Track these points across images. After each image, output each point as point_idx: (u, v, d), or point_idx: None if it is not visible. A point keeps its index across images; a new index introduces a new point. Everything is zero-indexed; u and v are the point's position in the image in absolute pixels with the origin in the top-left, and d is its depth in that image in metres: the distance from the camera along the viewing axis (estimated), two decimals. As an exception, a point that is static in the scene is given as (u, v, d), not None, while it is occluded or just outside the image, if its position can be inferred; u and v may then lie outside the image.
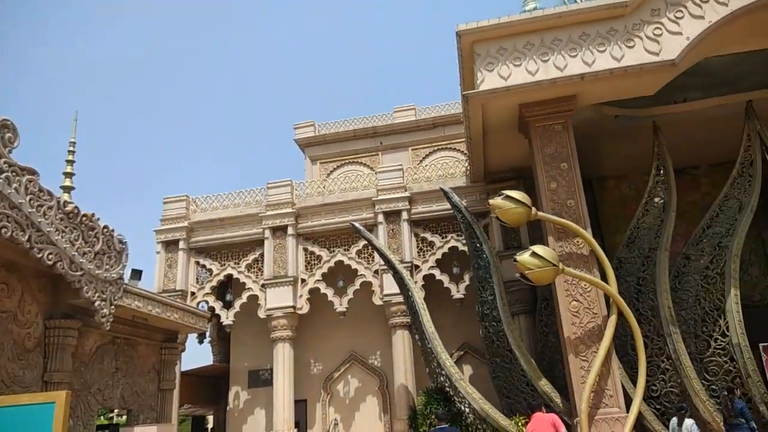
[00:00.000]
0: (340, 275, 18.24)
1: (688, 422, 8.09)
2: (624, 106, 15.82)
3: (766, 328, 15.78)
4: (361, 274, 17.98)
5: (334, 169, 24.16)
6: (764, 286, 18.48)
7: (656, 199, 14.85)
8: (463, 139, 17.23)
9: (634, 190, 18.52)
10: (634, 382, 12.51)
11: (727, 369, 13.03)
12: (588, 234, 13.00)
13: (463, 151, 21.59)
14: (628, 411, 12.03)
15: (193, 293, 18.67)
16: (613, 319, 12.46)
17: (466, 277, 17.36)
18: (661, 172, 15.00)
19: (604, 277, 12.91)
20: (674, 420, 8.20)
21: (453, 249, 17.79)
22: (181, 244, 18.97)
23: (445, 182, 18.07)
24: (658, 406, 13.20)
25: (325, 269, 18.25)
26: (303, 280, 18.32)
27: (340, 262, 18.25)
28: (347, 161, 24.21)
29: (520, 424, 12.82)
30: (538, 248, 12.31)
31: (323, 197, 19.26)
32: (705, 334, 13.53)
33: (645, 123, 15.83)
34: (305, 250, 18.74)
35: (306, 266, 18.57)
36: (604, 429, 11.89)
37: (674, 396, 13.08)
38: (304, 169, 24.83)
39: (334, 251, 18.51)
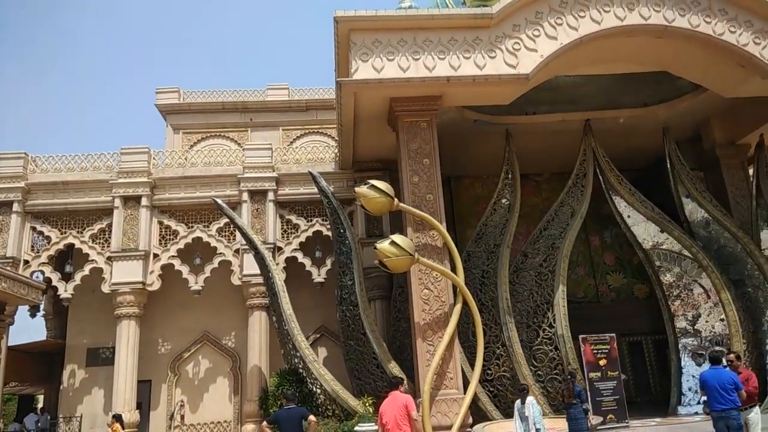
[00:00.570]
0: (198, 252, 17.57)
1: (530, 399, 9.05)
2: (483, 111, 17.04)
3: (586, 321, 18.00)
4: (220, 253, 17.47)
5: (199, 141, 23.09)
6: (588, 285, 21.09)
7: (503, 200, 16.23)
8: (335, 125, 17.44)
9: (486, 190, 19.99)
10: (473, 366, 13.65)
11: (551, 357, 14.66)
12: (443, 228, 13.86)
13: (334, 137, 21.78)
14: (465, 392, 13.16)
15: (26, 262, 16.87)
16: (458, 308, 13.47)
17: (328, 262, 17.62)
18: (509, 176, 16.41)
19: (454, 269, 13.89)
20: (518, 401, 9.13)
21: (317, 233, 17.95)
22: (15, 207, 17.02)
23: (315, 166, 18.12)
24: (491, 389, 14.53)
25: (181, 245, 17.46)
26: (156, 255, 17.37)
27: (199, 238, 17.57)
28: (213, 134, 23.26)
29: (368, 404, 13.40)
30: (396, 238, 12.91)
31: (184, 169, 18.36)
32: (535, 324, 15.11)
33: (499, 130, 17.18)
34: (160, 223, 17.76)
35: (160, 241, 17.62)
36: (444, 409, 12.86)
37: (506, 380, 14.46)
38: (165, 138, 23.43)
39: (192, 227, 17.75)
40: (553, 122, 17.92)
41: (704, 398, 7.88)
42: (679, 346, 15.79)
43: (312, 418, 7.82)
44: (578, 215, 16.02)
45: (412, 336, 13.94)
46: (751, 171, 18.95)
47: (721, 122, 18.83)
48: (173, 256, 17.31)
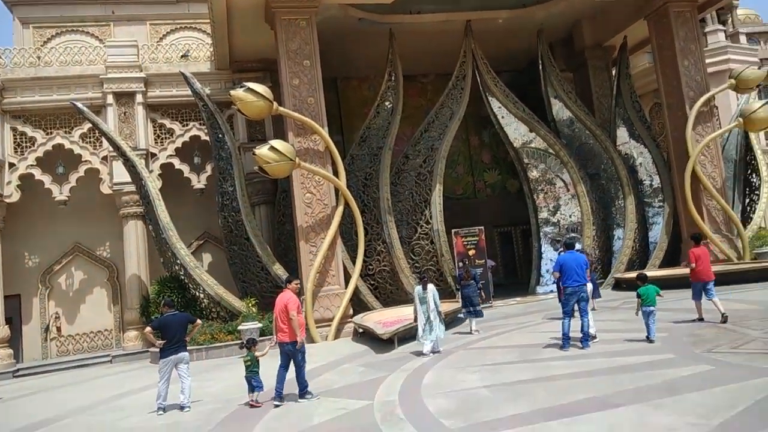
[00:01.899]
0: (60, 160, 16.19)
1: (431, 286, 9.98)
2: (367, 10, 16.47)
3: (465, 216, 19.23)
4: (86, 161, 16.22)
5: (53, 37, 20.41)
6: (467, 182, 22.23)
7: (386, 103, 16.27)
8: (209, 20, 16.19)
9: (374, 92, 19.66)
10: (355, 263, 14.24)
11: (428, 250, 15.62)
12: (324, 131, 13.77)
13: (209, 33, 20.22)
14: (347, 287, 13.84)
15: None
16: (340, 210, 13.79)
17: (208, 168, 16.98)
18: (393, 78, 16.34)
19: (336, 172, 14.01)
20: (419, 287, 9.96)
21: (195, 138, 17.08)
22: None
23: (188, 66, 16.89)
24: (372, 282, 15.36)
25: (40, 153, 15.97)
26: (12, 165, 15.81)
27: (60, 145, 16.13)
28: (70, 29, 20.58)
29: (251, 304, 13.71)
30: (276, 143, 12.69)
31: (37, 69, 16.41)
32: (414, 221, 15.88)
33: (384, 29, 16.77)
34: (14, 129, 16.03)
35: (15, 149, 15.98)
36: (326, 303, 13.54)
37: (386, 273, 15.31)
38: (13, 33, 20.54)
39: (51, 133, 16.20)
40: (437, 22, 17.73)
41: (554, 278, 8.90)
42: (541, 234, 17.40)
43: (198, 321, 8.13)
44: (456, 117, 16.49)
45: (295, 238, 14.19)
46: (614, 72, 20.27)
47: (591, 25, 19.69)
48: (32, 165, 15.86)
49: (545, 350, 8.45)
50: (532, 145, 17.19)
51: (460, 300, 12.21)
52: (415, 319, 9.78)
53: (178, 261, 14.09)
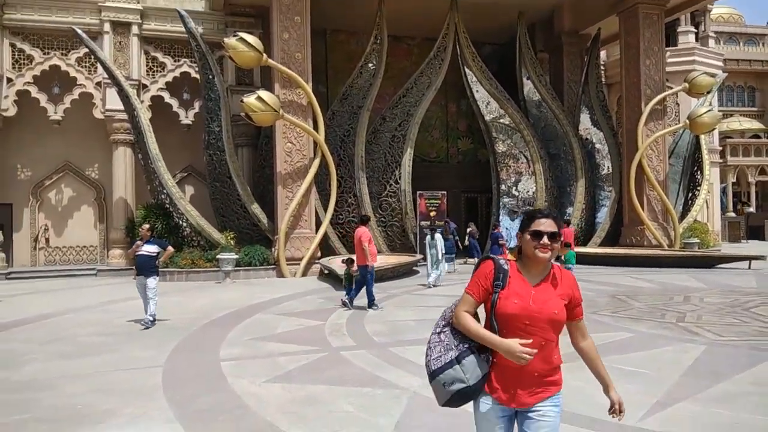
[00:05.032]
0: (56, 81, 16.95)
1: (438, 235, 12.48)
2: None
3: (436, 179, 20.65)
4: (80, 84, 17.01)
5: (53, -46, 20.66)
6: (441, 147, 23.58)
7: (370, 65, 17.35)
8: (208, -40, 16.80)
9: (361, 48, 20.55)
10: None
11: (393, 207, 17.14)
12: (308, 87, 14.91)
13: (207, -29, 20.65)
14: (317, 232, 15.34)
15: None
16: (316, 162, 15.13)
17: (197, 105, 17.90)
18: (378, 41, 17.36)
19: (316, 127, 15.24)
20: (428, 236, 12.18)
21: (185, 74, 17.91)
22: None
23: (183, 3, 17.58)
24: (341, 230, 16.87)
25: (37, 71, 16.69)
26: (9, 80, 16.54)
27: (57, 66, 16.85)
28: (71, -51, 20.85)
29: (230, 237, 15.13)
30: (263, 93, 13.84)
31: (37, -12, 16.93)
32: (384, 180, 17.30)
33: (378, -11, 17.55)
34: (13, 46, 16.66)
35: (14, 65, 16.66)
36: (298, 244, 15.07)
37: (354, 224, 16.76)
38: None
39: (49, 53, 16.88)
40: (429, -13, 18.53)
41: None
42: (501, 204, 19.02)
43: (170, 249, 9.33)
44: (433, 87, 17.68)
45: (274, 183, 15.53)
46: (586, 60, 21.54)
47: (571, 11, 20.78)
48: (29, 83, 16.61)
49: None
50: (502, 121, 18.55)
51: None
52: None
53: (165, 191, 15.32)
